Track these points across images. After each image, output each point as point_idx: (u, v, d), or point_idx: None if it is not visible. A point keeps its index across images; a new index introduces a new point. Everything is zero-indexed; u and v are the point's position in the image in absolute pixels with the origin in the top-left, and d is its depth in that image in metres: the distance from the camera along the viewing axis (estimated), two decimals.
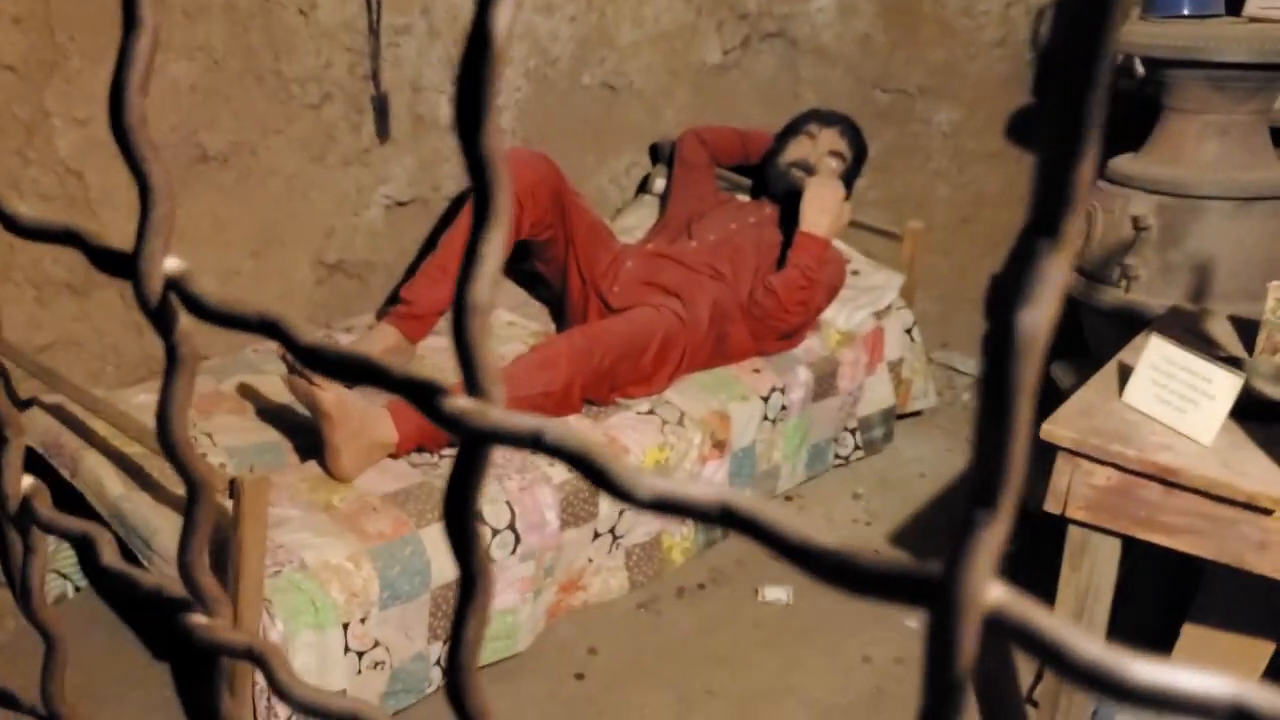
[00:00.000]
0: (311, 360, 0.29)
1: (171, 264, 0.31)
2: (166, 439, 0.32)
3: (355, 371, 0.28)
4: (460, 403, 0.26)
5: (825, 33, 3.75)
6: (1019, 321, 0.21)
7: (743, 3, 3.61)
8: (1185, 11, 2.52)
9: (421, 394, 0.27)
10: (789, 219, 3.02)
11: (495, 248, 0.26)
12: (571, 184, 2.87)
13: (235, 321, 0.30)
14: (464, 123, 0.25)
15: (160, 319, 0.30)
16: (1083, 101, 0.21)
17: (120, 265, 0.31)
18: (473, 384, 0.26)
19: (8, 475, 0.38)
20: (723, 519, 0.24)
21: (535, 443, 0.25)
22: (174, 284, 0.30)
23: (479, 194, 0.26)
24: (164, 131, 2.45)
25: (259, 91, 2.62)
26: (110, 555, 0.39)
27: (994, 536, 0.21)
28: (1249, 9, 2.50)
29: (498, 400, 0.26)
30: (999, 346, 0.21)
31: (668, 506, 0.25)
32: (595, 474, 0.26)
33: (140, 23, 0.29)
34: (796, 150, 3.17)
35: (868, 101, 3.76)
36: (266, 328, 0.31)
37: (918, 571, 0.22)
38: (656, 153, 3.60)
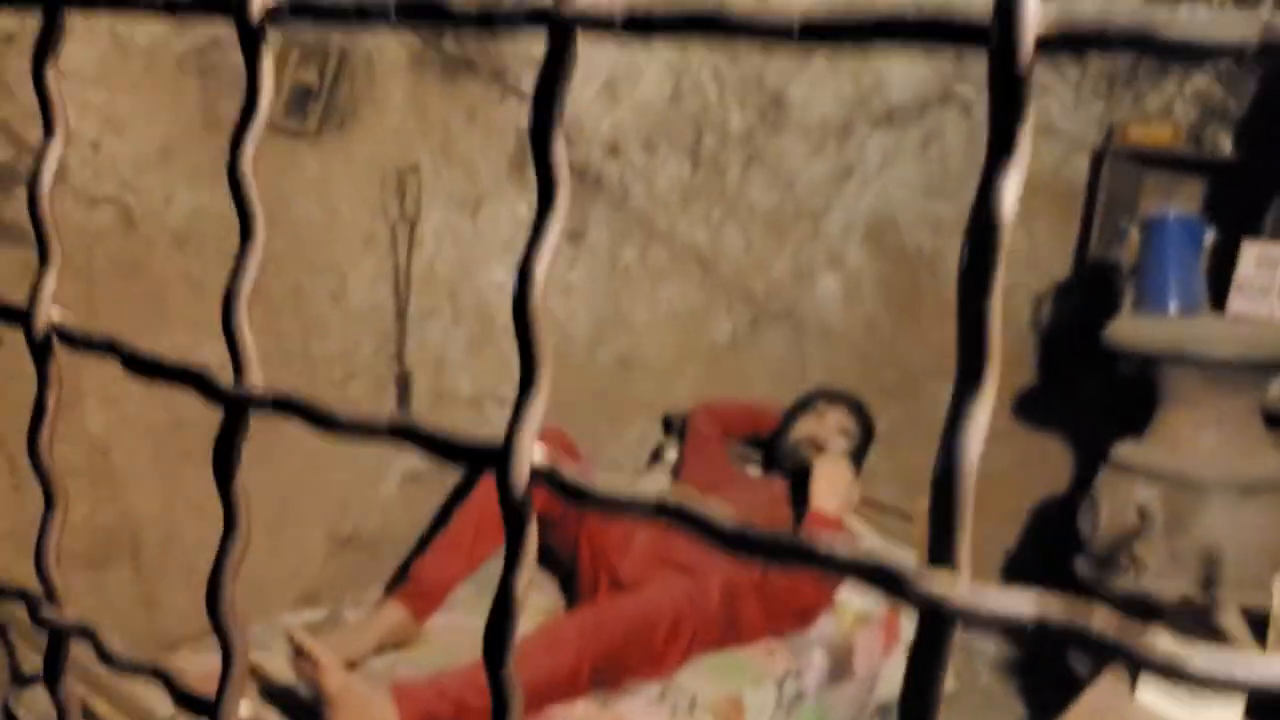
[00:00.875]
0: None
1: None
2: None
3: None
4: None
5: (831, 315, 3.91)
6: None
7: (751, 286, 3.79)
8: (1172, 309, 2.64)
9: None
10: (799, 496, 3.05)
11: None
12: (585, 456, 2.93)
13: None
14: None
15: None
16: None
17: (202, 708, 0.35)
18: None
19: None
20: None
21: None
22: None
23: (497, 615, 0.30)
24: (193, 415, 2.54)
25: (285, 371, 2.73)
26: None
27: None
28: (1232, 306, 2.62)
29: None
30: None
31: None
32: None
33: (236, 529, 0.34)
34: (805, 427, 3.25)
35: (874, 379, 3.87)
36: None
37: None
38: (669, 424, 3.69)
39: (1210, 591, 2.40)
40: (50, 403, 0.39)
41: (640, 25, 0.30)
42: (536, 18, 0.31)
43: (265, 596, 2.69)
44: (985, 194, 0.24)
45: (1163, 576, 2.49)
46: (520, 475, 0.34)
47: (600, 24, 0.31)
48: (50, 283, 0.43)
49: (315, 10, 0.35)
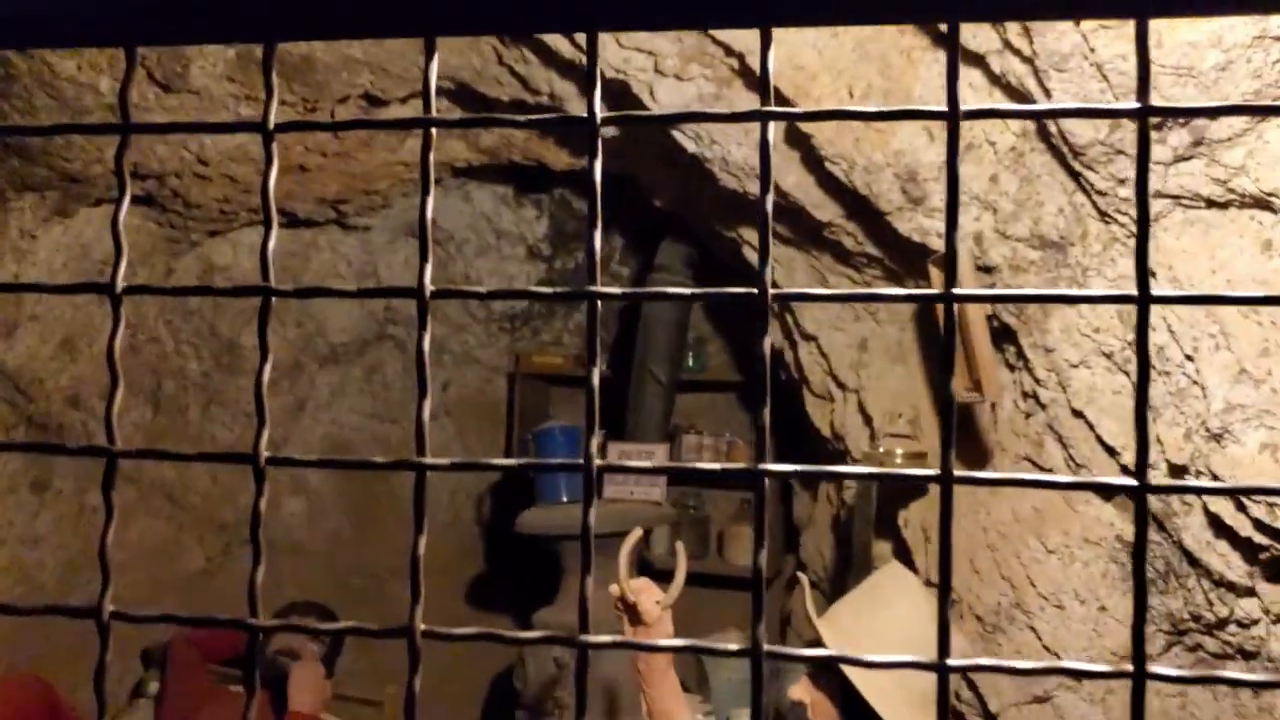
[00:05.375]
0: None
1: None
2: None
3: None
4: None
5: (299, 533, 4.31)
6: None
7: (221, 514, 4.10)
8: (564, 499, 3.40)
9: None
10: (281, 702, 3.38)
11: None
12: (66, 698, 3.05)
13: None
14: None
15: None
16: None
17: None
18: None
19: None
20: None
21: None
22: None
23: None
24: None
25: None
26: None
27: None
28: (605, 493, 3.45)
29: None
30: None
31: None
32: None
33: None
34: (280, 639, 3.59)
35: (344, 587, 4.30)
36: None
37: None
38: (148, 658, 3.83)
39: (614, 718, 3.09)
40: None
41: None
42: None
43: None
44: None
45: (574, 715, 3.15)
46: None
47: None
48: None
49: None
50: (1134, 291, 0.57)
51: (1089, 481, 0.60)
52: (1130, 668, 0.57)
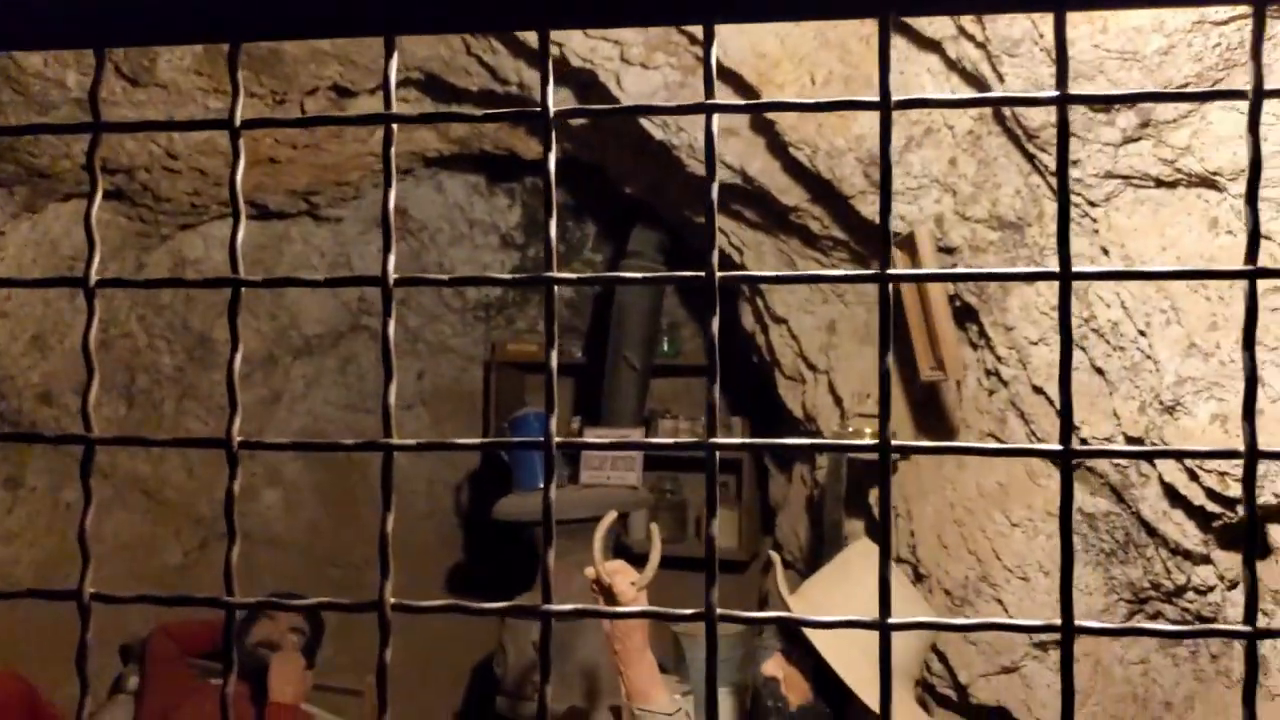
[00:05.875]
0: None
1: None
2: None
3: None
4: None
5: (276, 525, 4.32)
6: None
7: (198, 508, 4.11)
8: (541, 485, 3.43)
9: None
10: (261, 693, 3.40)
11: None
12: (45, 695, 3.06)
13: None
14: None
15: None
16: None
17: None
18: None
19: None
20: None
21: None
22: None
23: None
24: None
25: None
26: None
27: None
28: (582, 479, 3.48)
29: None
30: None
31: None
32: None
33: None
34: (260, 631, 3.61)
35: (322, 578, 4.32)
36: None
37: None
38: (127, 653, 3.84)
39: (593, 701, 3.13)
40: None
41: None
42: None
43: None
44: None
45: (554, 699, 3.19)
46: None
47: None
48: None
49: None
50: (1075, 269, 0.60)
51: (1015, 448, 0.64)
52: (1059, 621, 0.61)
